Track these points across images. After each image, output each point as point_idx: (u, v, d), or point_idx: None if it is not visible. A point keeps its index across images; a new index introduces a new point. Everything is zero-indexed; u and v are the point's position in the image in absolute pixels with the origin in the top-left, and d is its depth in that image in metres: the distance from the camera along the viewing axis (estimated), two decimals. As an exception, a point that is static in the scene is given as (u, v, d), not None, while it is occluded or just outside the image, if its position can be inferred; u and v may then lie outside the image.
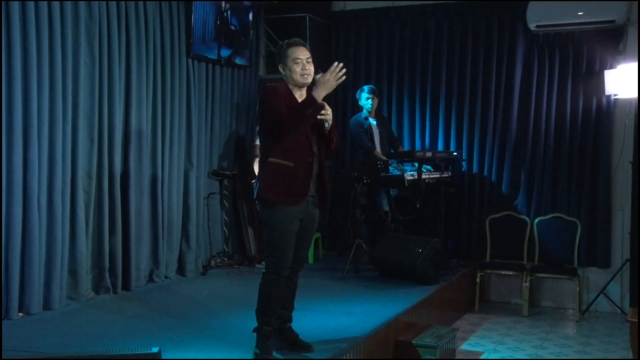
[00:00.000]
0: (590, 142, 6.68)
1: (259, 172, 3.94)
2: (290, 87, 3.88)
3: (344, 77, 3.75)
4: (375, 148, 6.77)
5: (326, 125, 3.85)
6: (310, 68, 3.84)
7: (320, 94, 3.74)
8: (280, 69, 3.88)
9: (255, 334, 3.91)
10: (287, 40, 3.90)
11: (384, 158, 6.67)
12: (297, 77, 3.83)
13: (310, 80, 3.86)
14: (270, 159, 3.81)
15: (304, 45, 3.87)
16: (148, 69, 5.71)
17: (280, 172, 3.79)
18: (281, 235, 3.79)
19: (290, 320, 4.09)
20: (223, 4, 6.46)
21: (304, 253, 4.04)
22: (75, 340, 4.15)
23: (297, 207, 3.80)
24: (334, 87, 3.76)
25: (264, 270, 3.91)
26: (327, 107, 3.83)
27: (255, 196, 3.91)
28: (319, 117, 3.80)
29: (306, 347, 3.99)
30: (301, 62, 3.81)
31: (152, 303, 5.16)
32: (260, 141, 4.01)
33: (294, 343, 4.02)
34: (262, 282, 3.89)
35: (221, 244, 6.71)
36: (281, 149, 3.78)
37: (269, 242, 3.88)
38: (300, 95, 3.89)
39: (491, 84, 7.00)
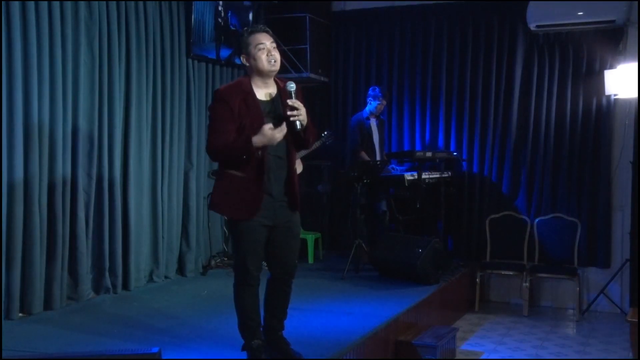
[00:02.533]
0: (590, 142, 6.69)
1: (214, 183, 3.73)
2: (255, 80, 3.58)
3: (284, 132, 3.49)
4: (362, 150, 6.75)
5: (298, 126, 3.55)
6: (277, 54, 3.54)
7: (258, 142, 3.45)
8: (244, 59, 3.58)
9: (244, 351, 3.74)
10: (246, 28, 3.65)
11: (367, 158, 6.67)
12: (264, 65, 3.51)
13: (278, 67, 3.56)
14: (225, 169, 3.61)
15: (267, 32, 3.57)
16: (148, 69, 5.71)
17: (231, 183, 3.57)
18: (245, 246, 3.59)
19: (281, 329, 3.86)
20: (223, 3, 6.45)
21: (289, 259, 3.75)
22: (75, 340, 4.15)
23: (259, 217, 3.56)
24: (275, 142, 3.48)
25: (234, 282, 3.71)
26: (301, 106, 3.56)
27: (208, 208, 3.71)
28: (291, 119, 3.52)
29: (296, 357, 3.76)
30: (265, 47, 3.51)
31: (152, 303, 5.16)
32: None
33: (284, 351, 3.79)
34: (234, 295, 3.71)
35: (221, 244, 6.71)
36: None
37: (235, 252, 3.72)
38: (265, 89, 3.60)
39: (491, 84, 7.01)
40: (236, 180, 3.55)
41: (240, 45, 3.61)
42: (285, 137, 3.56)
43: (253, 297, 3.68)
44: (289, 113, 3.54)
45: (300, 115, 3.55)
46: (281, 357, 3.76)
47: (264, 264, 3.76)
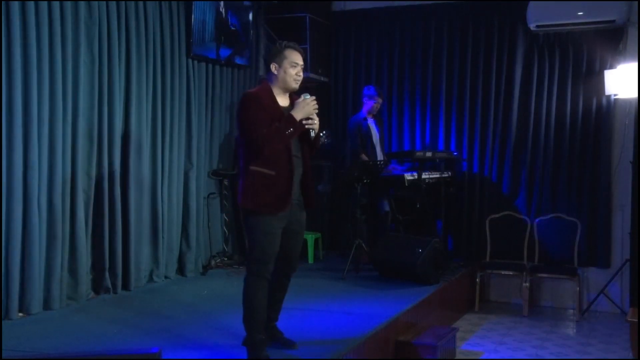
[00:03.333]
0: (590, 142, 6.69)
1: (240, 179, 3.87)
2: (276, 89, 3.86)
3: (317, 110, 3.82)
4: (362, 152, 6.74)
5: (312, 133, 3.86)
6: (301, 75, 3.89)
7: (298, 116, 3.75)
8: (273, 68, 3.83)
9: (245, 345, 3.84)
10: (285, 42, 3.88)
11: (366, 159, 6.67)
12: (290, 81, 3.84)
13: (298, 87, 3.89)
14: (251, 167, 3.77)
15: (302, 53, 3.89)
16: (148, 69, 5.71)
17: (261, 181, 3.75)
18: (265, 240, 3.74)
19: (276, 319, 4.08)
20: (223, 3, 6.45)
21: (295, 256, 4.00)
22: (75, 340, 4.15)
23: (281, 213, 3.77)
24: (311, 113, 3.79)
25: (247, 274, 3.84)
26: (315, 117, 3.83)
27: (239, 204, 3.87)
28: (307, 126, 3.81)
29: (290, 344, 3.99)
30: (297, 66, 3.84)
31: (152, 303, 5.17)
32: (240, 147, 3.91)
33: (277, 339, 4.02)
34: (246, 286, 3.82)
35: (221, 244, 6.71)
36: (262, 157, 3.74)
37: (253, 246, 3.81)
38: (282, 99, 3.87)
39: (491, 84, 7.01)
40: (265, 176, 3.75)
41: (274, 54, 3.85)
42: (299, 138, 3.84)
43: (264, 292, 3.81)
44: (303, 122, 3.80)
45: (314, 124, 3.84)
46: (276, 344, 3.94)
47: None
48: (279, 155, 3.75)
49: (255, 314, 3.79)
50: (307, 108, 3.78)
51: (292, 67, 3.82)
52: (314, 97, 3.82)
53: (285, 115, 3.77)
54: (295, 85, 3.87)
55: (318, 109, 3.84)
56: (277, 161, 3.75)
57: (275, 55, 3.84)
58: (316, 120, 3.85)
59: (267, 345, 3.86)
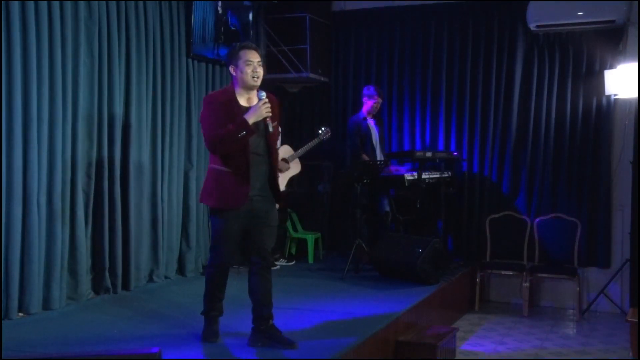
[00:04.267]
0: (590, 142, 6.69)
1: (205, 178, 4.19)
2: (238, 90, 4.03)
3: (270, 114, 3.97)
4: (362, 152, 6.74)
5: (270, 128, 4.00)
6: (260, 71, 4.01)
7: (250, 119, 3.92)
8: (231, 70, 4.02)
9: (203, 316, 4.20)
10: (239, 43, 4.08)
11: (367, 159, 6.67)
12: (248, 79, 3.98)
13: (259, 83, 4.02)
14: (210, 164, 4.09)
15: (256, 50, 4.04)
16: (148, 69, 5.71)
17: (218, 177, 4.02)
18: (222, 234, 4.03)
19: (270, 318, 4.11)
20: (223, 3, 6.45)
21: (264, 246, 4.12)
22: (75, 340, 4.15)
23: (238, 210, 3.99)
24: (263, 116, 3.95)
25: (208, 262, 4.20)
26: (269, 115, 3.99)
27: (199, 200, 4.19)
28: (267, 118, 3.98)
29: (289, 343, 4.02)
30: (252, 64, 3.97)
31: (152, 303, 5.16)
32: None
33: (277, 339, 4.05)
34: (206, 273, 4.23)
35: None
36: (220, 155, 4.00)
37: (213, 238, 4.14)
38: (247, 98, 4.04)
39: (491, 84, 7.01)
40: (222, 174, 4.00)
41: (230, 57, 4.04)
42: (266, 137, 4.03)
43: (222, 277, 4.16)
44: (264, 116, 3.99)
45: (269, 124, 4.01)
46: (276, 344, 4.02)
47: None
48: (236, 154, 3.96)
49: (213, 297, 4.16)
50: (259, 111, 3.94)
51: (248, 65, 3.96)
52: (265, 100, 3.96)
53: (242, 115, 3.94)
54: (254, 82, 4.00)
55: (271, 111, 3.98)
56: (234, 159, 3.97)
57: (231, 57, 4.03)
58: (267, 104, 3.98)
59: (220, 315, 4.21)
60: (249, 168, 3.96)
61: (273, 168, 4.10)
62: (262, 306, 4.08)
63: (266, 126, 4.00)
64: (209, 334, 4.14)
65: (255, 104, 3.97)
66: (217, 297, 4.18)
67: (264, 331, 4.06)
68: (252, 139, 3.96)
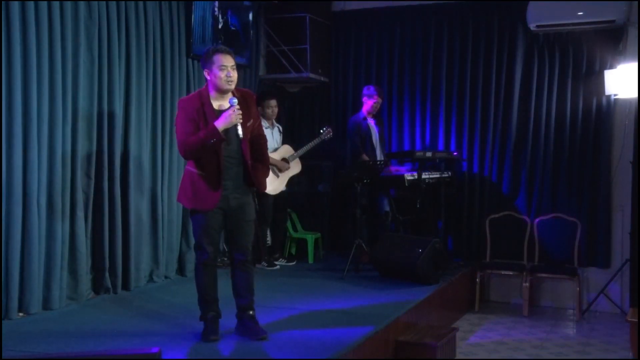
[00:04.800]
0: (590, 142, 6.69)
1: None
2: (212, 93, 4.09)
3: (241, 120, 4.01)
4: (362, 152, 6.74)
5: (240, 133, 4.04)
6: (234, 75, 4.07)
7: (220, 126, 3.98)
8: (205, 73, 4.07)
9: (202, 322, 4.21)
10: (213, 47, 4.14)
11: (367, 159, 6.67)
12: (222, 83, 4.03)
13: (233, 86, 4.08)
14: (186, 166, 4.19)
15: (230, 54, 4.08)
16: (148, 69, 5.71)
17: (191, 179, 4.12)
18: (201, 231, 4.12)
19: (249, 308, 4.23)
20: (223, 3, 6.45)
21: (243, 241, 4.22)
22: (75, 340, 4.15)
23: (208, 209, 4.08)
24: (234, 123, 3.99)
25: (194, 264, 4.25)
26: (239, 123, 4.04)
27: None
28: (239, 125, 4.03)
29: (258, 335, 4.14)
30: (226, 68, 4.02)
31: (152, 303, 5.16)
32: None
33: (248, 330, 4.19)
34: (195, 277, 4.24)
35: (221, 244, 6.71)
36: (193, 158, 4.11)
37: (195, 236, 4.21)
38: (222, 100, 4.09)
39: (491, 84, 7.01)
40: (197, 176, 4.09)
41: (204, 60, 4.09)
42: (240, 140, 4.08)
43: (210, 276, 4.20)
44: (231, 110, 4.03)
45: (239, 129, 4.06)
46: (247, 335, 4.17)
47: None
48: (208, 157, 4.04)
49: (205, 295, 4.19)
50: (230, 119, 3.99)
51: (221, 70, 4.02)
52: (237, 107, 4.00)
53: (215, 119, 4.00)
54: (228, 86, 4.06)
55: (242, 117, 4.02)
56: (206, 162, 4.06)
57: (205, 61, 4.07)
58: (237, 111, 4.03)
59: (219, 318, 4.24)
60: (220, 172, 4.05)
61: (247, 167, 4.15)
62: (241, 297, 4.22)
63: (237, 133, 4.05)
64: (209, 332, 4.16)
65: (226, 110, 4.01)
66: (211, 298, 4.21)
67: (242, 320, 4.22)
68: (225, 144, 4.04)
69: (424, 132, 7.31)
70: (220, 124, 3.97)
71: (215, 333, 4.16)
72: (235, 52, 6.41)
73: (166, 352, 3.62)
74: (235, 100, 4.04)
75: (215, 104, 4.09)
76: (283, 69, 7.16)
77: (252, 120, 4.17)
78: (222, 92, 4.08)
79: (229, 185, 4.11)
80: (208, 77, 4.07)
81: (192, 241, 6.18)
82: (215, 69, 4.02)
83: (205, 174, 4.06)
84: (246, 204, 4.22)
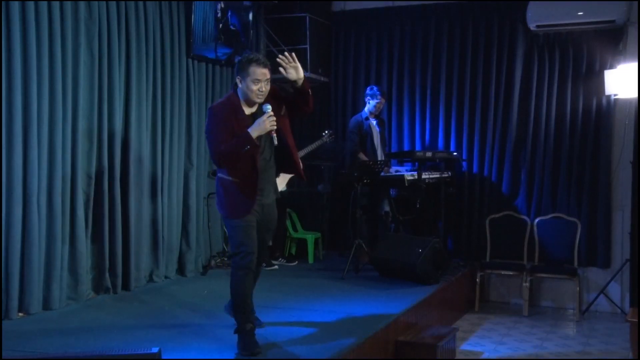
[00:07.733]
0: (590, 142, 6.69)
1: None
2: (242, 100, 4.01)
3: (274, 127, 3.92)
4: (359, 151, 6.74)
5: (275, 141, 3.97)
6: (267, 88, 3.97)
7: (254, 133, 3.89)
8: (238, 81, 4.00)
9: (237, 334, 4.00)
10: (250, 56, 4.00)
11: (365, 158, 6.67)
12: (252, 96, 3.96)
13: (262, 100, 3.99)
14: (218, 174, 4.09)
15: (267, 66, 3.97)
16: (148, 69, 5.71)
17: (227, 187, 4.02)
18: (242, 233, 3.97)
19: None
20: (223, 3, 6.45)
21: (264, 246, 4.26)
22: (75, 340, 4.15)
23: (246, 215, 3.99)
24: (267, 130, 3.90)
25: (232, 268, 4.04)
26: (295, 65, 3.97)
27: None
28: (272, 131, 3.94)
29: (257, 322, 4.17)
30: (260, 83, 3.94)
31: (152, 303, 5.16)
32: None
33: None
34: (232, 280, 4.00)
35: (221, 244, 6.71)
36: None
37: (233, 239, 4.05)
38: (249, 107, 4.02)
39: (491, 84, 7.01)
40: (229, 183, 3.99)
41: (240, 68, 3.98)
42: (274, 146, 4.02)
43: (250, 282, 4.01)
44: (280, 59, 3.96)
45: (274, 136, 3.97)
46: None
47: None
48: (243, 163, 3.94)
49: (243, 304, 3.98)
50: (263, 125, 3.90)
51: (255, 83, 3.93)
52: (270, 113, 3.90)
53: (248, 124, 3.92)
54: (258, 99, 3.97)
55: (275, 125, 3.92)
56: (241, 169, 3.96)
57: (240, 69, 3.98)
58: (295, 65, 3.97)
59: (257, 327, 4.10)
60: (256, 179, 3.97)
61: (274, 172, 4.16)
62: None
63: (271, 139, 3.97)
64: (251, 345, 3.92)
65: (260, 117, 3.92)
66: (249, 307, 4.02)
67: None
68: (265, 147, 4.00)
69: (424, 132, 7.31)
70: (254, 131, 3.89)
71: (258, 345, 3.92)
72: (235, 52, 6.42)
73: (166, 352, 3.62)
74: (269, 107, 3.94)
75: (247, 110, 4.01)
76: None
77: (284, 109, 4.09)
78: (250, 102, 4.01)
79: (266, 189, 4.07)
80: (240, 85, 3.98)
81: (192, 241, 6.24)
82: (248, 80, 3.93)
83: (239, 181, 3.97)
84: (275, 211, 4.22)
